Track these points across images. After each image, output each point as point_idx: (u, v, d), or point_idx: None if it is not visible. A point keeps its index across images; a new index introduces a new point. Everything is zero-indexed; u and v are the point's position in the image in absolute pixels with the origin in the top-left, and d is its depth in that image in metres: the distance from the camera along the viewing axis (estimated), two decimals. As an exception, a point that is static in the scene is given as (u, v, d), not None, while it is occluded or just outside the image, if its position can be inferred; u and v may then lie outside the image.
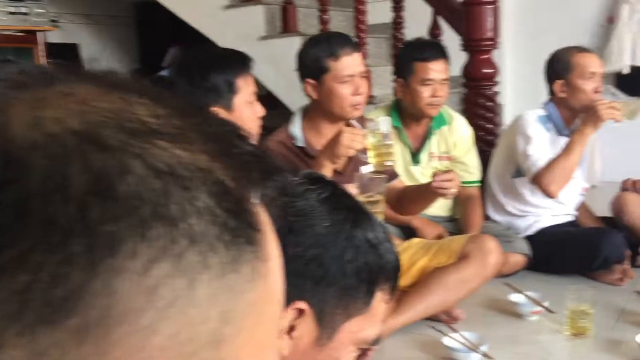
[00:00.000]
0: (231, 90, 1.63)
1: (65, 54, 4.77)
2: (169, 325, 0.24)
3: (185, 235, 0.25)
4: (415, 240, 2.18)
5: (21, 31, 4.21)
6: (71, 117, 0.25)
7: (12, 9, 4.09)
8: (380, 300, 0.73)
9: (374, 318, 0.73)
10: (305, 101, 2.10)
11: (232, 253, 0.26)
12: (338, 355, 0.71)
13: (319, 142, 1.96)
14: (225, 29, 3.44)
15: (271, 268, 0.30)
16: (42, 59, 4.29)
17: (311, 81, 1.96)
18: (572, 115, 2.43)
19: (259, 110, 1.69)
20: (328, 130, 1.97)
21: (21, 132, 0.24)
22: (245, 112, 1.65)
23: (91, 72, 0.29)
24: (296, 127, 2.02)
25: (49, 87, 0.26)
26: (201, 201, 0.26)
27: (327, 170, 1.72)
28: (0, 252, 0.22)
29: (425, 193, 1.98)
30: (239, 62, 1.67)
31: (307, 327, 0.69)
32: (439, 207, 2.40)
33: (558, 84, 2.42)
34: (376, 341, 0.75)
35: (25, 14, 4.16)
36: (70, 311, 0.23)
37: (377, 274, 0.72)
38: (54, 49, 4.59)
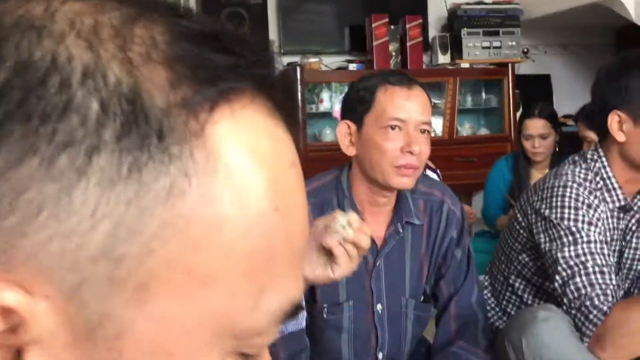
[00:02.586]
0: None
1: (535, 85, 4.80)
2: (38, 230, 0.23)
3: (50, 136, 0.23)
4: None
5: (493, 64, 4.44)
6: None
7: (486, 43, 4.36)
8: None
9: None
10: None
11: (127, 161, 0.23)
12: None
13: None
14: None
15: (215, 191, 0.25)
16: (509, 90, 4.43)
17: None
18: None
19: None
20: None
21: None
22: None
23: None
24: None
25: None
26: (80, 98, 0.23)
27: None
28: None
29: None
30: None
31: None
32: None
33: None
34: None
35: (497, 47, 4.37)
36: None
37: None
38: (524, 81, 4.68)
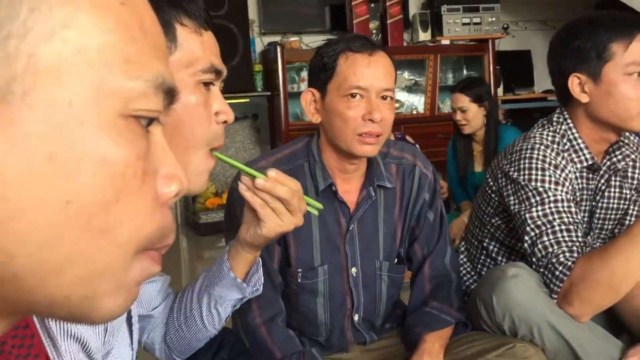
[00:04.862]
0: (601, 57, 1.34)
1: (516, 61, 4.82)
2: None
3: None
4: None
5: (473, 40, 4.45)
6: None
7: (466, 20, 4.37)
8: None
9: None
10: None
11: None
12: None
13: None
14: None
15: None
16: (490, 66, 4.44)
17: None
18: None
19: None
20: None
21: None
22: (620, 85, 1.33)
23: None
24: None
25: None
26: None
27: None
28: None
29: None
30: (623, 25, 1.36)
31: None
32: None
33: None
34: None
35: (477, 23, 4.38)
36: None
37: None
38: (504, 57, 4.69)
